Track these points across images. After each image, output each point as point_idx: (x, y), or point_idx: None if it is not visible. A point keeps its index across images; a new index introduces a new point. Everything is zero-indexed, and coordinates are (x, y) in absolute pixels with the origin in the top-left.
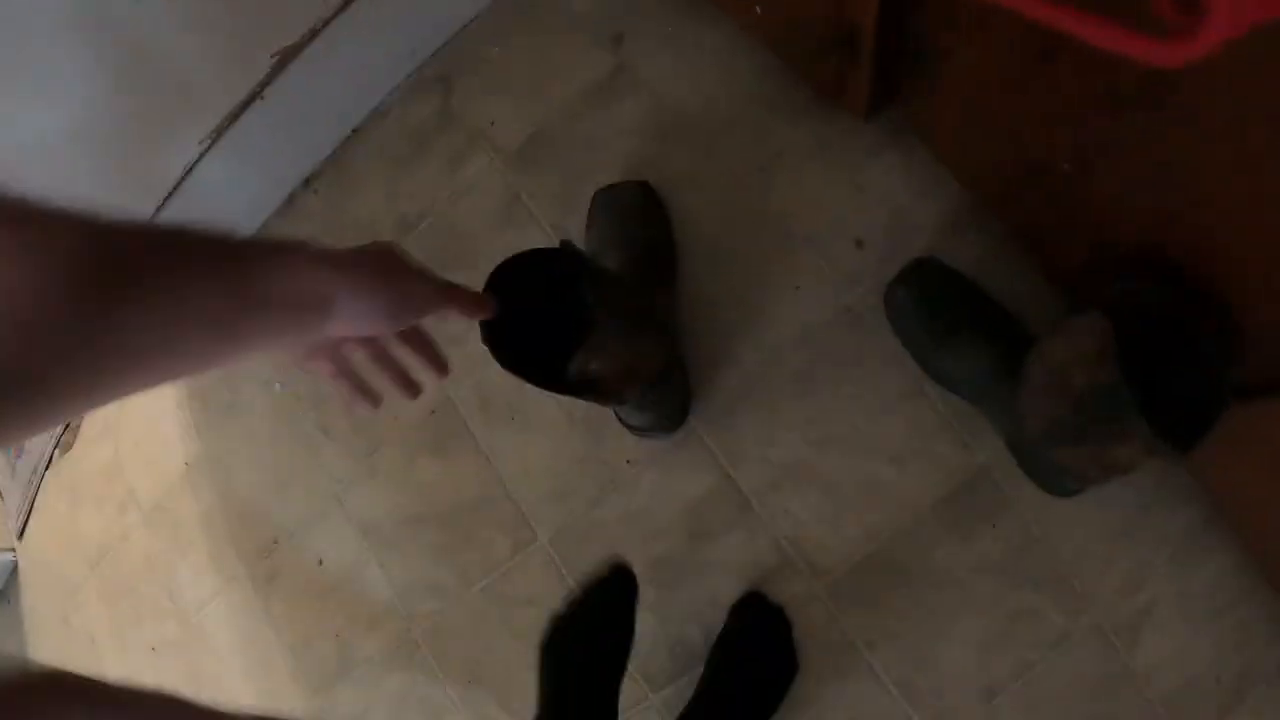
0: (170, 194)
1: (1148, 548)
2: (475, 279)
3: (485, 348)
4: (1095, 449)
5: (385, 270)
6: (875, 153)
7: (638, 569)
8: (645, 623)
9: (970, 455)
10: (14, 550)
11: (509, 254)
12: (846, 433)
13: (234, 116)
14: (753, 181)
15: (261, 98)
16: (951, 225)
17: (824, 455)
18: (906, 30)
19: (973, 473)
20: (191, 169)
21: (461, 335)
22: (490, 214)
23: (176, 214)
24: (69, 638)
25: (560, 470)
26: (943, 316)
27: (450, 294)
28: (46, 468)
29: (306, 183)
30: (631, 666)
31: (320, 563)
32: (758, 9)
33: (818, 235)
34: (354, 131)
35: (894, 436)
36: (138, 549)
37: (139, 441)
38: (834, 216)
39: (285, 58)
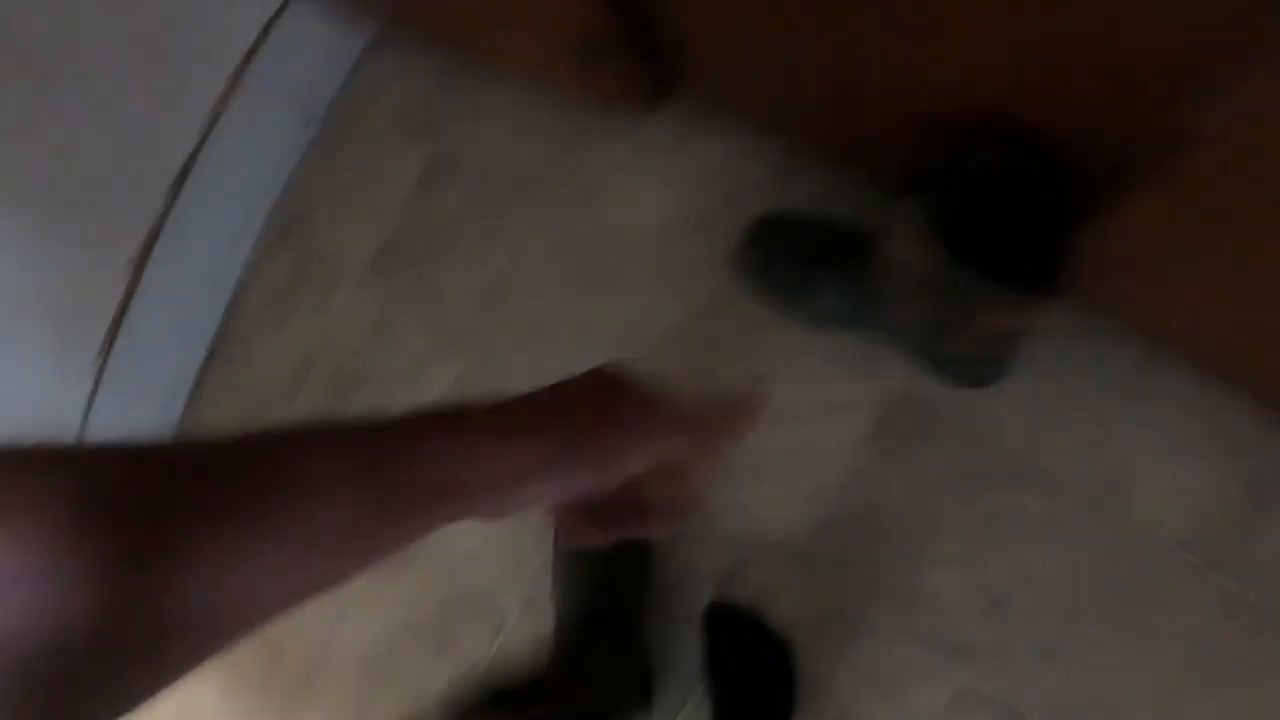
0: (85, 414)
1: (1097, 401)
2: (378, 397)
3: None
4: (970, 326)
5: (586, 425)
6: (684, 141)
7: None
8: None
9: (877, 383)
10: None
11: (399, 366)
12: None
13: (114, 331)
14: (582, 213)
15: (130, 308)
16: (779, 176)
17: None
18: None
19: (887, 399)
20: (92, 401)
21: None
22: (370, 332)
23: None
24: None
25: None
26: (798, 258)
27: (684, 423)
28: None
29: (204, 364)
30: None
31: None
32: (521, 47)
33: (660, 233)
34: (225, 312)
35: (795, 396)
36: None
37: None
38: (670, 213)
39: (140, 262)
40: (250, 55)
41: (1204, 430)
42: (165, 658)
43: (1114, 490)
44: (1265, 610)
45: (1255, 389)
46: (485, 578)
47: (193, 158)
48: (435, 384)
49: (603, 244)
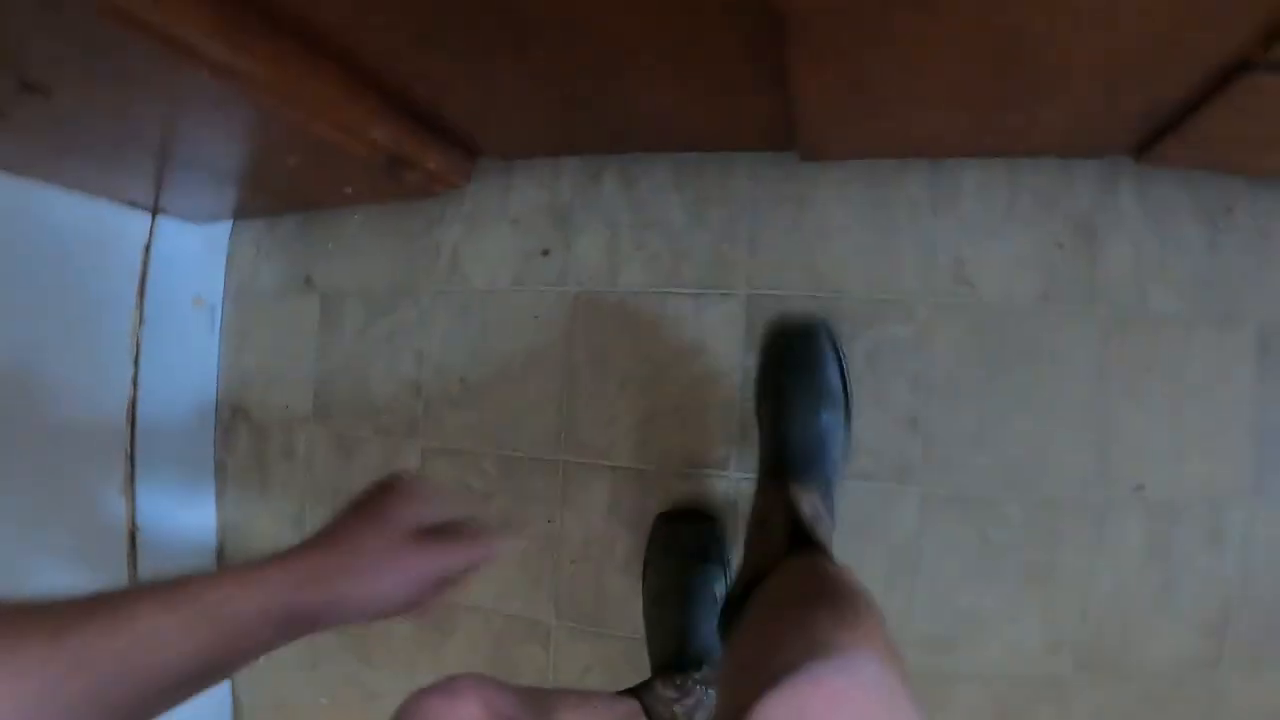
0: None
1: (909, 223)
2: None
3: None
4: None
5: (365, 559)
6: (504, 190)
7: None
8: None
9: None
10: None
11: (371, 474)
12: None
13: (133, 553)
14: (454, 288)
15: (138, 527)
16: (581, 181)
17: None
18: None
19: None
20: None
21: None
22: (337, 461)
23: None
24: None
25: None
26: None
27: (446, 555)
28: None
29: (217, 545)
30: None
31: None
32: (348, 189)
33: (516, 273)
34: (217, 498)
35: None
36: None
37: None
38: (519, 252)
39: (129, 487)
40: (143, 280)
41: (1010, 203)
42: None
43: (963, 289)
44: (1145, 312)
45: (1027, 146)
46: (515, 605)
47: (135, 384)
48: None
49: (482, 303)
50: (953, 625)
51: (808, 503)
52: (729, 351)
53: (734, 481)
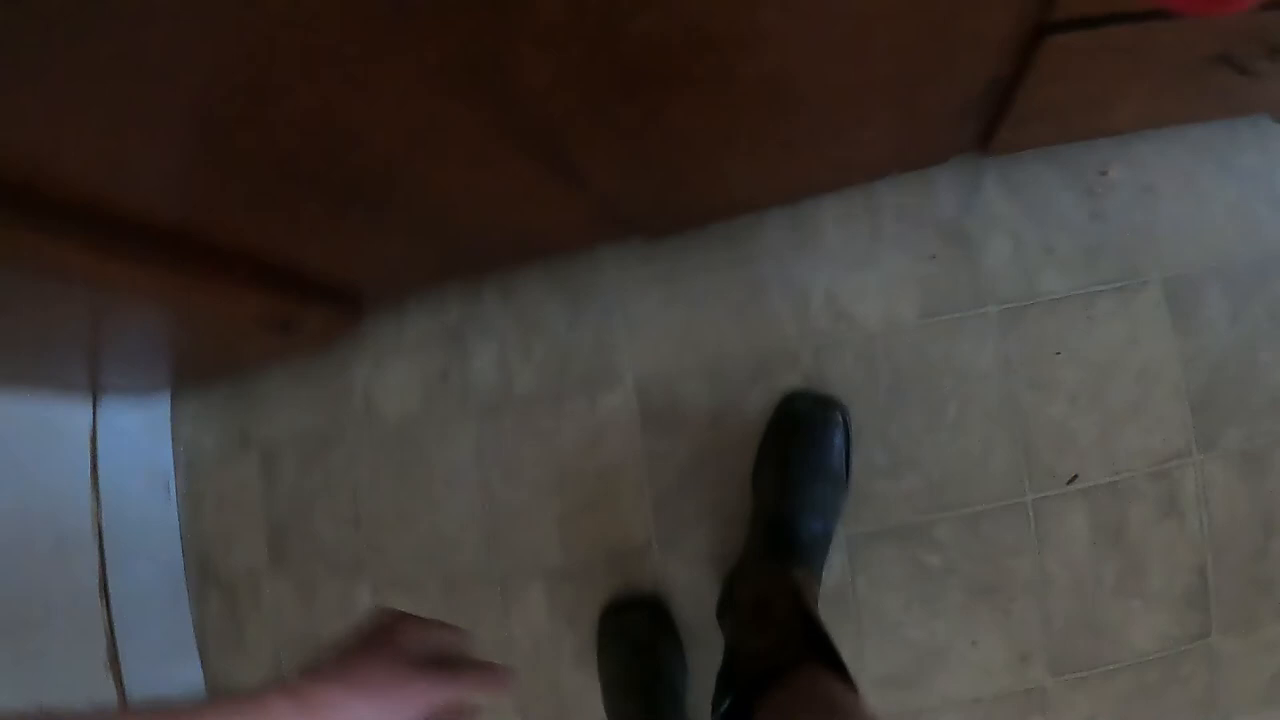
0: None
1: (774, 277)
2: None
3: None
4: None
5: (374, 685)
6: (398, 326)
7: None
8: None
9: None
10: None
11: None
12: None
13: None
14: (371, 424)
15: (129, 700)
16: (465, 309)
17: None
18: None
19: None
20: None
21: None
22: (299, 603)
23: None
24: None
25: None
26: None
27: (455, 681)
28: None
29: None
30: None
31: None
32: (250, 355)
33: (424, 398)
34: (201, 657)
35: None
36: None
37: None
38: (421, 381)
39: (114, 661)
40: (94, 463)
41: (874, 227)
42: None
43: (842, 324)
44: (1038, 299)
45: (868, 171)
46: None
47: (102, 563)
48: (362, 604)
49: (397, 434)
50: (910, 660)
51: (813, 595)
52: (629, 439)
53: (659, 562)
